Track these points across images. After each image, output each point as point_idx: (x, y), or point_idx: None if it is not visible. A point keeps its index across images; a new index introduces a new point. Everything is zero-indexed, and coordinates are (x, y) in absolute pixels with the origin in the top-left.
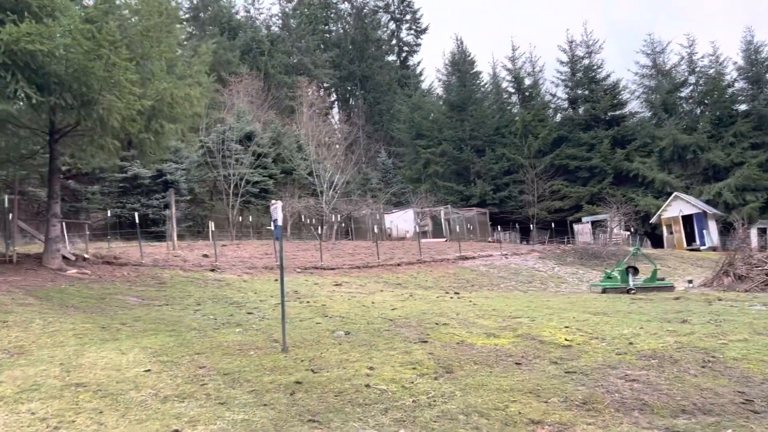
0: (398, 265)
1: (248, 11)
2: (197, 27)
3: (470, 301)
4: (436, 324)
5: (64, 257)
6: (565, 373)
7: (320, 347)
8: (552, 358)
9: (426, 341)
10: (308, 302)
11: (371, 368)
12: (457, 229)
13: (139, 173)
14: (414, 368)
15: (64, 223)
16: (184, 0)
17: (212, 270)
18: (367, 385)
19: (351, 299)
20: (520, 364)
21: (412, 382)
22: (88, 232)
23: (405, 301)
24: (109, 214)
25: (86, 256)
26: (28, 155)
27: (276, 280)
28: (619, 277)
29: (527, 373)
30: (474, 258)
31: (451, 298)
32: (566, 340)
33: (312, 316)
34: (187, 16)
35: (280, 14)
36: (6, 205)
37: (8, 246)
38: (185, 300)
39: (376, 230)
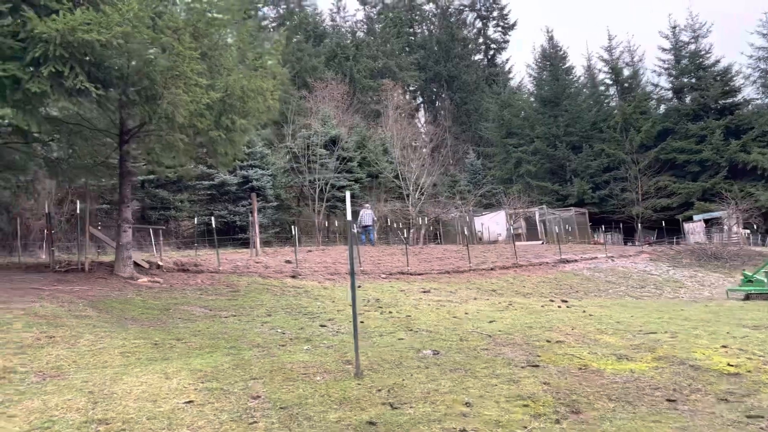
0: (492, 269)
1: (334, 20)
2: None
3: (583, 311)
4: (548, 341)
5: (136, 265)
6: (747, 417)
7: (402, 372)
8: (718, 393)
9: (537, 365)
10: (391, 312)
11: (467, 404)
12: (555, 231)
13: (226, 180)
14: (525, 405)
15: (151, 231)
16: (269, 10)
17: (292, 276)
18: (464, 431)
19: (440, 309)
20: (674, 401)
21: (525, 427)
22: (162, 239)
23: (504, 311)
24: (195, 221)
25: (160, 263)
26: (101, 160)
27: (359, 286)
28: (766, 281)
29: (689, 417)
30: (576, 261)
31: (559, 307)
32: (730, 365)
33: (394, 330)
34: (273, 24)
35: (364, 20)
36: (78, 211)
37: (80, 254)
38: (255, 310)
39: (466, 233)
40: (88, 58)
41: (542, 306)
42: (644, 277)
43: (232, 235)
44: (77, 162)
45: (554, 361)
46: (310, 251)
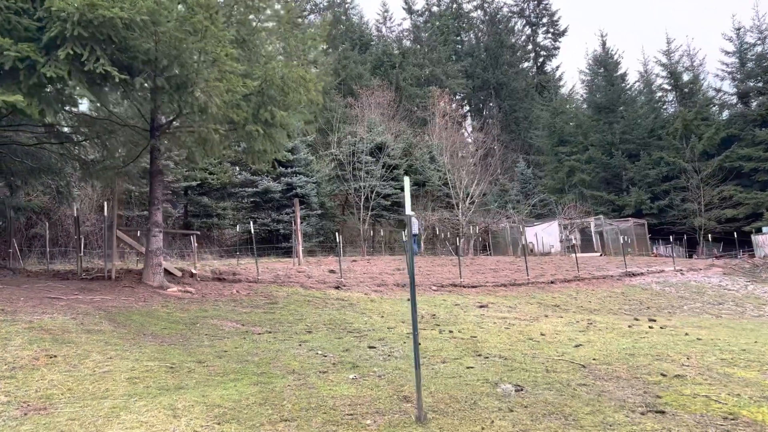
0: (551, 282)
1: (380, 30)
2: (329, 43)
3: (685, 334)
4: (663, 375)
5: (168, 273)
6: None
7: (478, 415)
8: None
9: (662, 411)
10: (451, 332)
11: None
12: (615, 242)
13: (269, 187)
14: None
15: (193, 239)
16: (315, 17)
17: (336, 287)
18: None
19: (509, 328)
20: None
21: None
22: (201, 247)
23: (585, 331)
24: (237, 229)
25: (194, 271)
26: (131, 160)
27: (408, 299)
28: None
29: None
30: (642, 274)
31: (651, 328)
32: None
33: (459, 355)
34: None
35: (411, 28)
36: (105, 213)
37: (107, 260)
38: (294, 326)
39: (521, 244)
40: (110, 40)
41: (629, 327)
42: (720, 293)
43: (275, 243)
44: (108, 162)
45: (684, 405)
46: (354, 261)
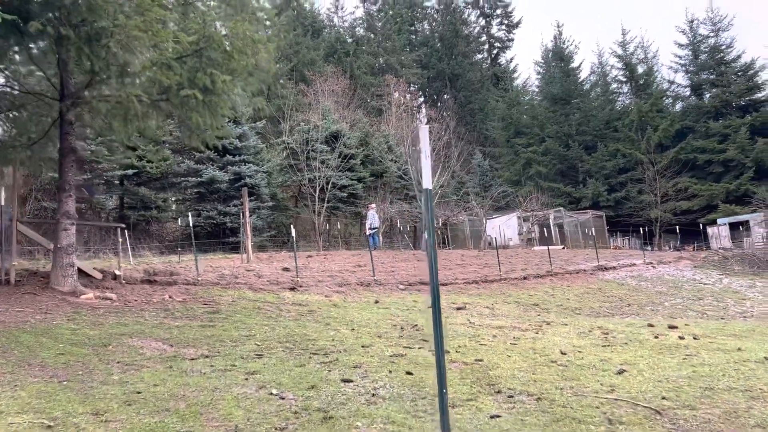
0: (524, 278)
1: (331, 20)
2: (274, 32)
3: (738, 349)
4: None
5: (85, 274)
6: None
7: None
8: None
9: None
10: (447, 351)
11: None
12: (571, 234)
13: (215, 177)
14: None
15: (119, 233)
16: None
17: (292, 289)
18: None
19: (516, 343)
20: None
21: None
22: (120, 239)
23: (611, 346)
24: (180, 223)
25: (118, 272)
26: (37, 137)
27: (377, 302)
28: None
29: None
30: (615, 268)
31: (681, 338)
32: None
33: (471, 393)
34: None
35: (364, 17)
36: (1, 202)
37: (2, 261)
38: (240, 345)
39: (484, 237)
40: None
41: (656, 337)
42: (697, 287)
43: (222, 238)
44: (7, 141)
45: None
46: (310, 257)
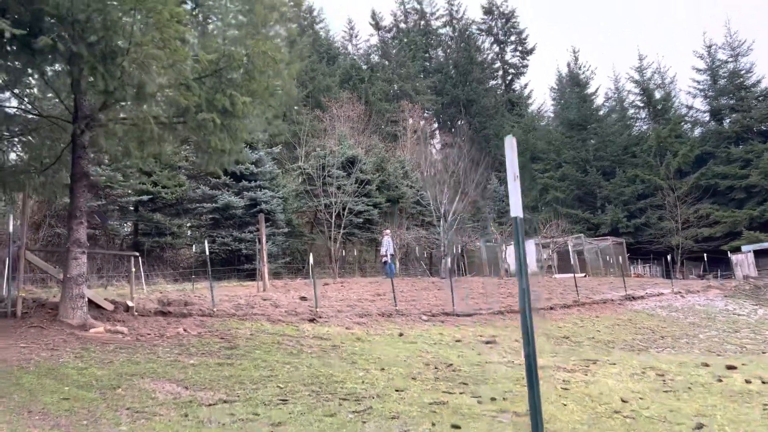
0: (551, 308)
1: (346, 48)
2: (293, 56)
3: None
4: None
5: (95, 306)
6: None
7: None
8: None
9: None
10: (493, 399)
11: None
12: (591, 262)
13: (231, 202)
14: None
15: (132, 261)
16: (281, 28)
17: (311, 320)
18: None
19: (568, 388)
20: None
21: None
22: (133, 269)
23: (674, 392)
24: (194, 249)
25: (130, 303)
26: (50, 161)
27: (401, 335)
28: None
29: None
30: (642, 298)
31: (748, 382)
32: None
33: None
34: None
35: (378, 44)
36: (11, 230)
37: (10, 292)
38: (261, 388)
39: (505, 264)
40: None
41: (719, 380)
42: (732, 318)
43: (237, 265)
44: (19, 166)
45: None
46: (326, 284)
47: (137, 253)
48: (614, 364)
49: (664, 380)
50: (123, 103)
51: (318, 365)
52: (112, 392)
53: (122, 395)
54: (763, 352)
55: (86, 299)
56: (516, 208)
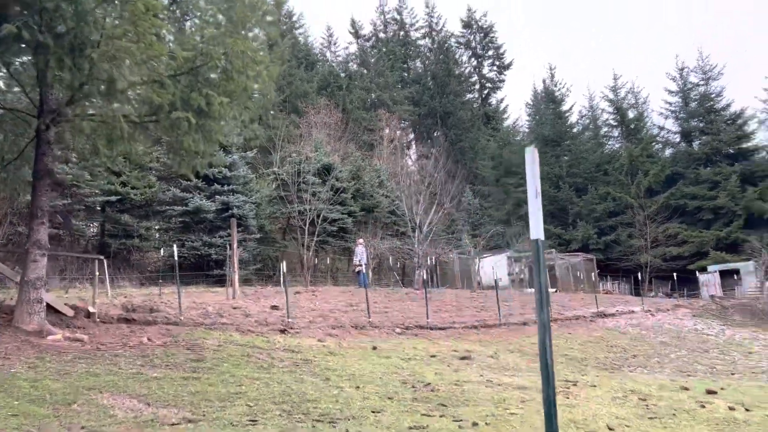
0: (524, 324)
1: (324, 55)
2: (273, 57)
3: None
4: None
5: (54, 311)
6: None
7: None
8: None
9: None
10: (476, 425)
11: None
12: (562, 277)
13: (202, 206)
14: None
15: (97, 265)
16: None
17: (282, 331)
18: None
19: (566, 421)
20: None
21: None
22: (98, 273)
23: (660, 419)
24: (162, 253)
25: (92, 309)
26: (12, 157)
27: (375, 348)
28: None
29: None
30: (614, 315)
31: (732, 408)
32: None
33: None
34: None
35: (357, 52)
36: None
37: None
38: (229, 407)
39: (478, 277)
40: None
41: (702, 406)
42: (701, 338)
43: (206, 270)
44: None
45: None
46: (298, 293)
47: (102, 257)
48: (594, 386)
49: (647, 405)
50: (93, 99)
51: (290, 381)
52: (67, 408)
53: (78, 412)
54: (733, 374)
55: (44, 304)
56: (536, 230)
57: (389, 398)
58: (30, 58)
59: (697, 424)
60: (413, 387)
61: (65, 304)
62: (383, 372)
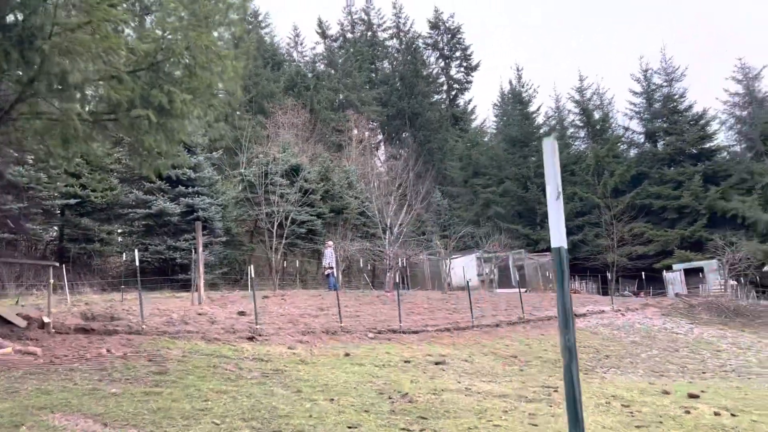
0: (497, 325)
1: (291, 54)
2: (239, 53)
3: None
4: None
5: (5, 322)
6: None
7: None
8: None
9: None
10: None
11: None
12: (530, 277)
13: (166, 209)
14: None
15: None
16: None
17: (251, 338)
18: None
19: (536, 425)
20: None
21: None
22: (53, 280)
23: (645, 428)
24: (124, 257)
25: (46, 319)
26: None
27: (348, 355)
28: None
29: None
30: (585, 315)
31: (718, 414)
32: None
33: None
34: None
35: (324, 52)
36: None
37: None
38: (194, 425)
39: (447, 278)
40: None
41: (687, 412)
42: (671, 338)
43: (171, 275)
44: None
45: None
46: (266, 297)
47: (57, 263)
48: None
49: (631, 412)
50: (44, 96)
51: (259, 394)
52: (14, 431)
53: None
54: (704, 372)
55: None
56: (558, 236)
57: (365, 411)
58: None
59: (667, 429)
60: (390, 398)
61: (18, 314)
62: (357, 381)
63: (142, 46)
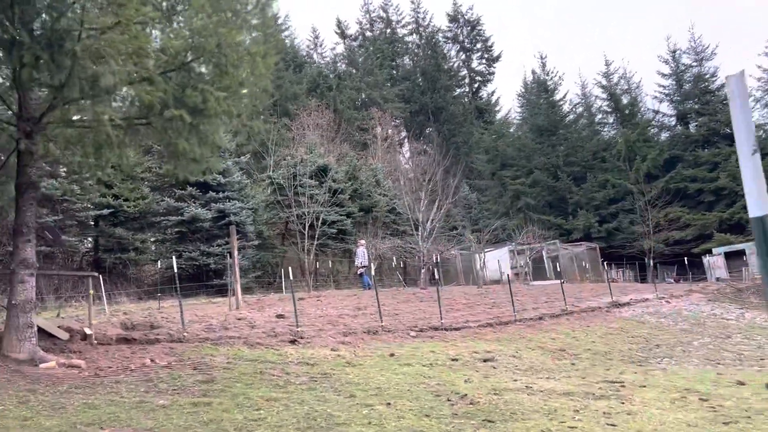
0: (540, 318)
1: (311, 56)
2: (268, 48)
3: None
4: None
5: (47, 335)
6: None
7: None
8: None
9: None
10: None
11: None
12: (566, 268)
13: (198, 215)
14: None
15: (90, 282)
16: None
17: (293, 341)
18: None
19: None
20: None
21: None
22: (93, 291)
23: (734, 424)
24: (159, 265)
25: (88, 331)
26: None
27: (392, 355)
28: None
29: None
30: (629, 304)
31: None
32: None
33: None
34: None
35: (345, 52)
36: None
37: None
38: None
39: (483, 272)
40: None
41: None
42: (722, 324)
43: (205, 281)
44: None
45: None
46: (302, 299)
47: (96, 273)
48: (644, 386)
49: (713, 407)
50: (76, 101)
51: (312, 401)
52: None
53: None
54: (762, 359)
55: (35, 329)
56: (760, 203)
57: (426, 416)
58: (3, 56)
59: None
60: (449, 400)
61: (59, 326)
62: (410, 383)
63: (174, 42)
